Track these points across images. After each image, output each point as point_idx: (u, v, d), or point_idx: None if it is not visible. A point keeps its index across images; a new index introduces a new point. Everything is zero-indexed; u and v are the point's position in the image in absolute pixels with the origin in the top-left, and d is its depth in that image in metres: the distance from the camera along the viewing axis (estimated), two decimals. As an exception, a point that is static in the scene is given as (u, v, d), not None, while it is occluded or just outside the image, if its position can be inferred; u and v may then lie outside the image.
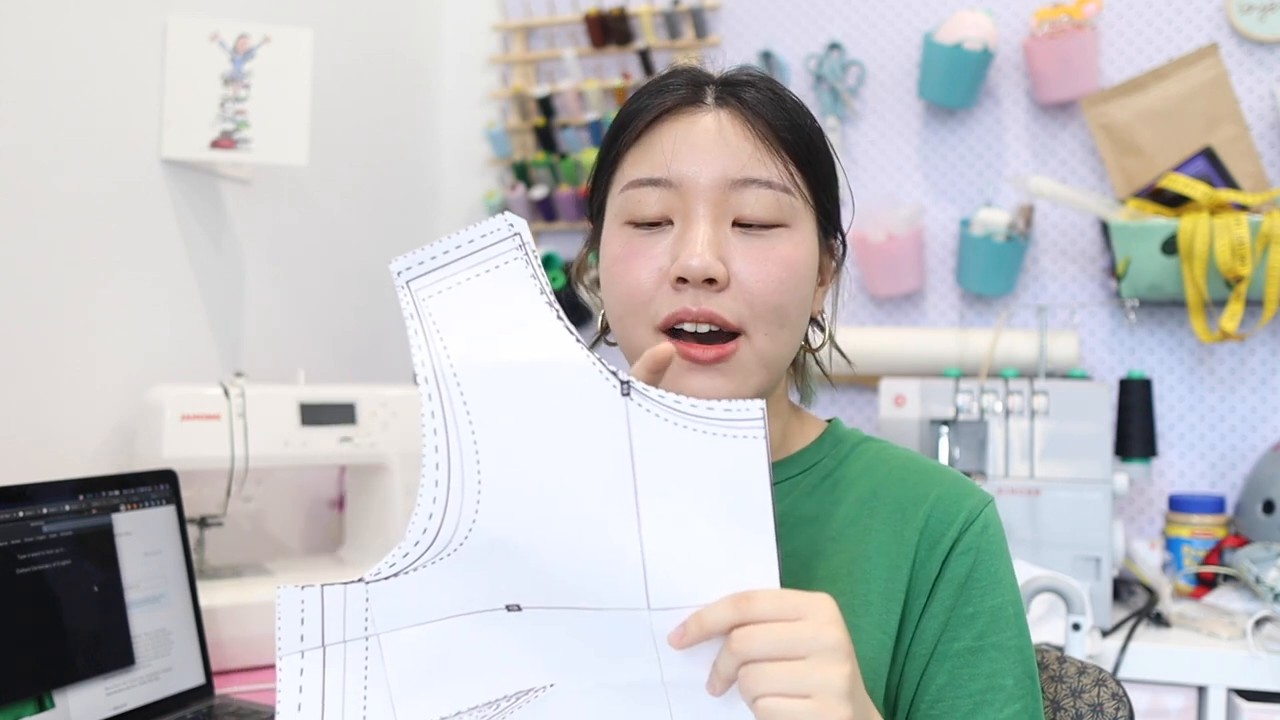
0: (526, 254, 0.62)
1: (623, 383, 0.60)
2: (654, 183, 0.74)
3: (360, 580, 0.65)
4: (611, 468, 0.60)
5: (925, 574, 0.76)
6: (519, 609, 0.64)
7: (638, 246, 0.75)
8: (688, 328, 0.73)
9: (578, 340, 0.61)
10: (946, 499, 0.78)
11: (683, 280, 0.72)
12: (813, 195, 0.78)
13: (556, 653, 0.65)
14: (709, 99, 0.77)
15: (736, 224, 0.74)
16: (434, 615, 0.65)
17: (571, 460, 0.61)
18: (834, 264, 0.84)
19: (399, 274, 0.64)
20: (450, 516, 0.63)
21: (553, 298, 0.62)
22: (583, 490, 0.61)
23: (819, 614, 0.60)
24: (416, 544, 0.64)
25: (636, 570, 0.60)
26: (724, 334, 0.73)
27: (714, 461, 0.59)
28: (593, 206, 0.83)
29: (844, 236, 0.84)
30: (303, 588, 0.65)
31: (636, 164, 0.76)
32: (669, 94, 0.77)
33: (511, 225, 0.63)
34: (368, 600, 0.65)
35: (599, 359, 0.60)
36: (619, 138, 0.79)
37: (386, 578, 0.65)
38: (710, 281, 0.72)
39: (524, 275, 0.62)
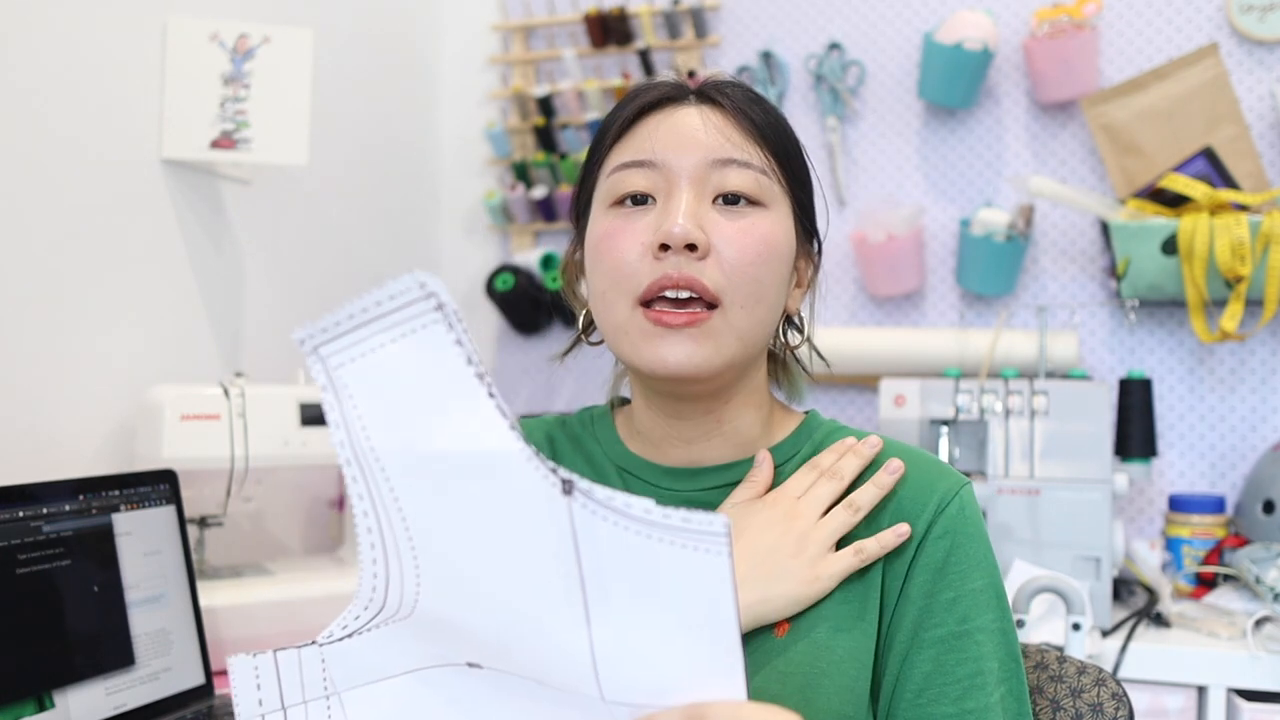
0: (447, 318, 0.54)
1: (564, 481, 0.53)
2: (639, 164, 0.78)
3: (313, 643, 0.64)
4: (554, 565, 0.55)
5: (901, 560, 0.77)
6: (480, 667, 0.62)
7: (622, 224, 0.77)
8: (669, 294, 0.75)
9: (512, 427, 0.53)
10: (918, 483, 0.79)
11: (664, 248, 0.74)
12: (789, 191, 0.81)
13: (522, 704, 0.63)
14: (691, 97, 0.81)
15: (717, 200, 0.77)
16: (394, 671, 0.64)
17: (510, 556, 0.56)
18: (811, 268, 0.86)
19: (303, 342, 0.57)
20: (393, 591, 0.60)
21: (483, 368, 0.54)
22: (524, 586, 0.56)
23: None
24: (366, 608, 0.62)
25: (587, 667, 0.57)
26: (700, 303, 0.75)
27: (671, 571, 0.52)
28: (579, 205, 0.86)
29: (820, 243, 0.87)
30: (254, 655, 0.64)
31: (622, 152, 0.80)
32: (653, 91, 0.81)
33: (424, 286, 0.54)
34: (324, 661, 0.64)
35: (536, 453, 0.53)
36: (603, 137, 0.82)
37: (340, 639, 0.63)
38: (691, 248, 0.74)
39: (447, 341, 0.54)
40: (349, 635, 0.64)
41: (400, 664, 0.64)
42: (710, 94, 0.80)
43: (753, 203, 0.77)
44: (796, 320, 0.88)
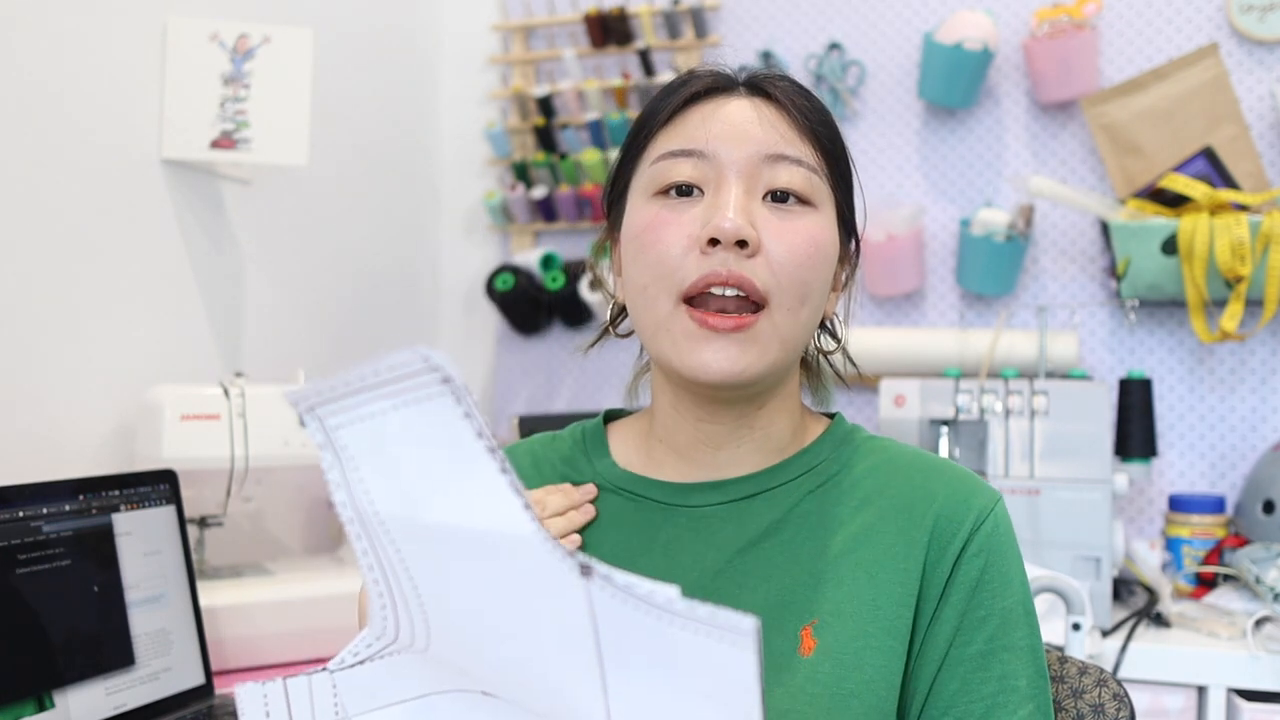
0: (455, 391, 0.50)
1: (581, 566, 0.50)
2: (687, 154, 0.75)
3: (324, 669, 0.62)
4: (571, 641, 0.52)
5: (936, 577, 0.75)
6: (495, 697, 0.61)
7: (668, 215, 0.75)
8: (715, 291, 0.72)
9: (526, 506, 0.50)
10: (954, 499, 0.77)
11: (713, 243, 0.72)
12: (835, 189, 0.79)
13: None
14: (739, 88, 0.78)
15: (766, 197, 0.75)
16: (408, 695, 0.63)
17: (523, 628, 0.54)
18: (847, 270, 0.84)
19: (297, 404, 0.53)
20: (404, 632, 0.59)
21: (494, 442, 0.50)
22: (538, 656, 0.55)
23: None
24: (379, 638, 0.60)
25: None
26: (747, 303, 0.73)
27: (694, 657, 0.49)
28: (612, 195, 0.83)
29: (858, 243, 0.84)
30: (263, 683, 0.62)
31: (669, 140, 0.77)
32: (700, 80, 0.78)
33: (427, 360, 0.49)
34: (334, 687, 0.62)
35: (549, 538, 0.50)
36: (648, 123, 0.79)
37: (351, 666, 0.62)
38: (742, 245, 0.72)
39: (455, 414, 0.50)
40: (361, 662, 0.62)
41: (414, 689, 0.63)
42: (761, 85, 0.78)
43: (802, 202, 0.75)
44: (830, 324, 0.85)
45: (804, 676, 0.72)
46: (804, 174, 0.75)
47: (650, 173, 0.77)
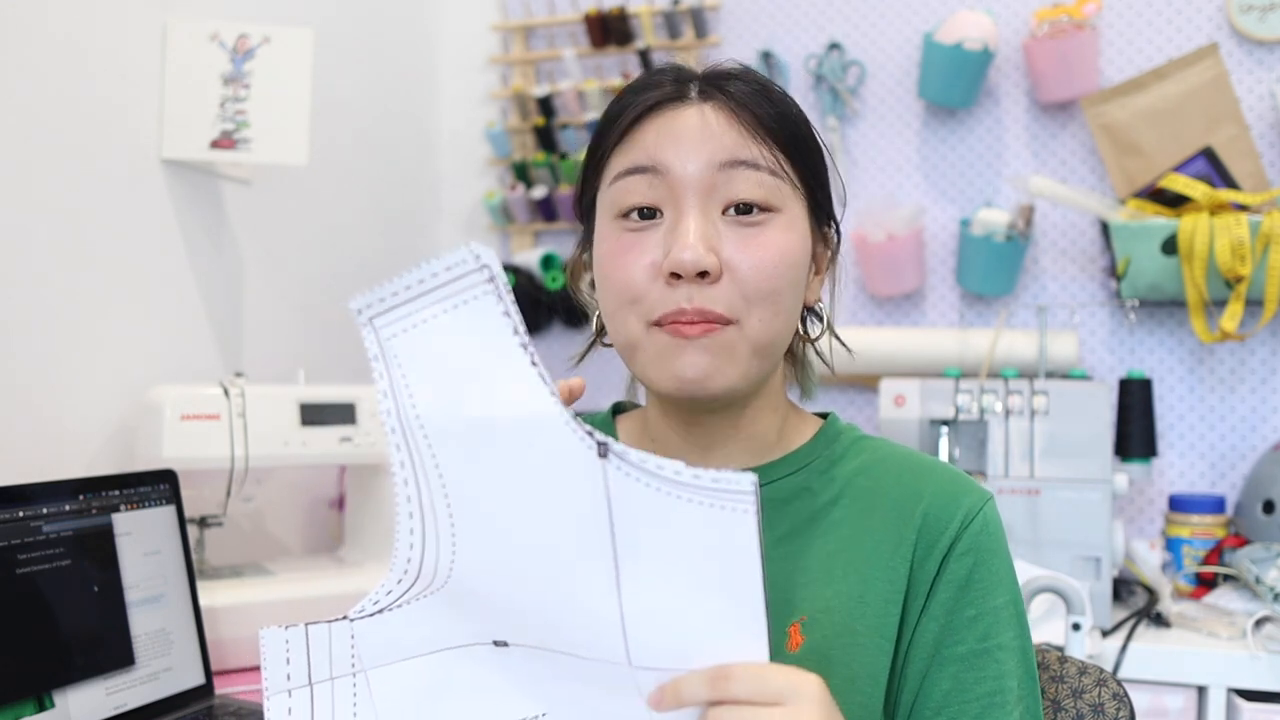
0: (498, 289, 0.56)
1: (599, 444, 0.55)
2: (642, 170, 0.74)
3: (344, 618, 0.65)
4: (588, 529, 0.57)
5: (923, 575, 0.75)
6: (506, 645, 0.63)
7: (630, 241, 0.74)
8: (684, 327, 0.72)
9: (552, 393, 0.56)
10: (943, 497, 0.77)
11: (676, 275, 0.72)
12: (802, 182, 0.77)
13: (546, 686, 0.64)
14: (693, 94, 0.76)
15: (727, 210, 0.74)
16: (421, 650, 0.65)
17: (546, 520, 0.58)
18: (829, 253, 0.83)
19: (360, 312, 0.59)
20: (429, 561, 0.61)
21: (527, 338, 0.57)
22: (558, 550, 0.58)
23: (800, 699, 0.56)
24: (399, 582, 0.63)
25: (616, 631, 0.58)
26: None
27: (700, 530, 0.55)
28: (581, 206, 0.83)
29: (838, 225, 0.83)
30: (286, 628, 0.65)
31: (625, 157, 0.76)
32: (653, 90, 0.77)
33: (478, 258, 0.56)
34: (353, 637, 0.65)
35: (574, 417, 0.56)
36: (605, 136, 0.79)
37: (371, 614, 0.64)
38: (703, 274, 0.71)
39: (495, 313, 0.56)
40: (380, 611, 0.64)
41: (428, 642, 0.65)
42: (712, 89, 0.76)
43: (765, 209, 0.74)
44: (817, 309, 0.84)
45: None
46: (761, 178, 0.74)
47: (611, 193, 0.76)
